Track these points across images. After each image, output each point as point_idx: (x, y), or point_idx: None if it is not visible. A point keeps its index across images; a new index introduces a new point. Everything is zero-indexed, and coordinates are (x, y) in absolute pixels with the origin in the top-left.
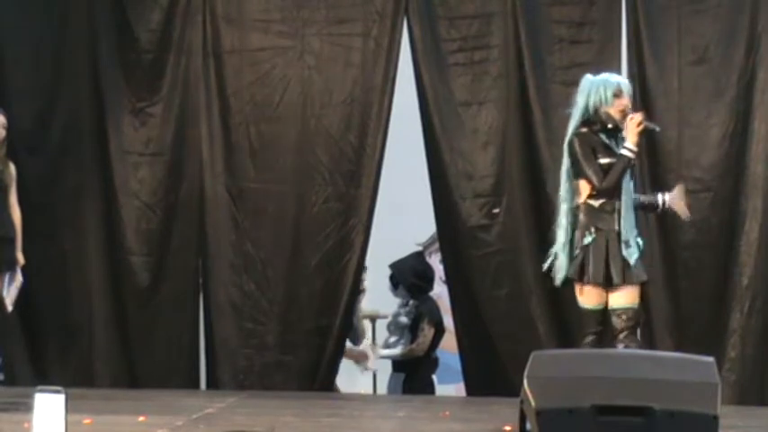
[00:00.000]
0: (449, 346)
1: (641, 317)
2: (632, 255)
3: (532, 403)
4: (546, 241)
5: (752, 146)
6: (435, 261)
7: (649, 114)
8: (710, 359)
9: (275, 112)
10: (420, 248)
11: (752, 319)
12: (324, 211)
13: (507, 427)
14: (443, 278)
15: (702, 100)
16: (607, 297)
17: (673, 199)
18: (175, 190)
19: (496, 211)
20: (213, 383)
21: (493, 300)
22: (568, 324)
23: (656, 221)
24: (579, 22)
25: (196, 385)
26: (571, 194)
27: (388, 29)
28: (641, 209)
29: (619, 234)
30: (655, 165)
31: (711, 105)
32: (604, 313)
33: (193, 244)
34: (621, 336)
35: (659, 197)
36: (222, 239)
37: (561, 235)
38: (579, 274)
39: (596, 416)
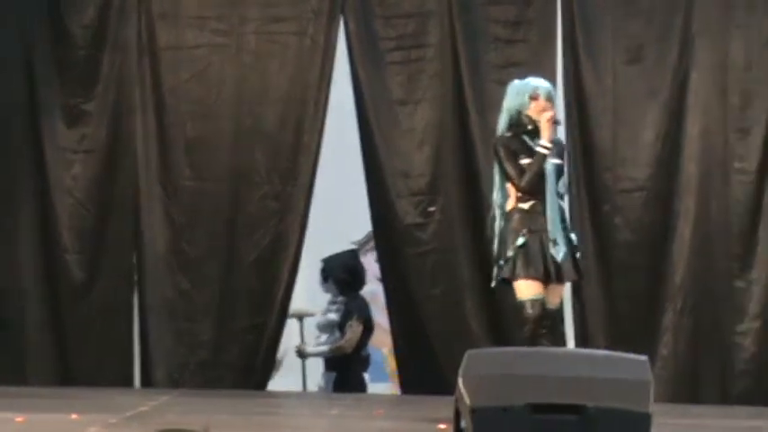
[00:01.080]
0: (382, 344)
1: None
2: (559, 252)
3: (467, 401)
4: (482, 240)
5: (685, 146)
6: (371, 259)
7: (584, 113)
8: (644, 357)
9: (211, 110)
10: (354, 247)
11: (684, 318)
12: (260, 209)
13: (442, 426)
14: (379, 277)
15: (637, 100)
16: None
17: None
18: (110, 187)
19: (432, 209)
20: (147, 381)
21: (428, 298)
22: (503, 323)
23: (590, 221)
24: (515, 21)
25: (130, 383)
26: (502, 199)
27: (325, 27)
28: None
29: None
30: (589, 164)
31: (645, 105)
32: (543, 307)
33: (128, 242)
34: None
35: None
36: (157, 237)
37: (494, 238)
38: (513, 272)
39: (531, 414)
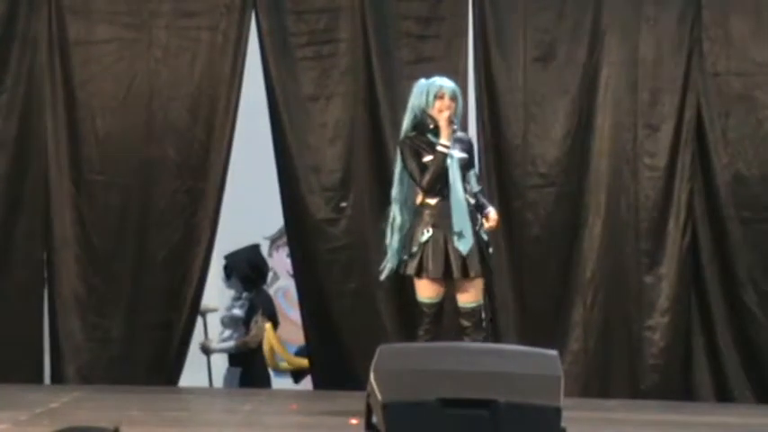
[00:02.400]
0: (295, 340)
1: (486, 312)
2: (465, 245)
3: (379, 396)
4: None
5: (595, 142)
6: (283, 255)
7: (495, 109)
8: (554, 352)
9: (122, 105)
10: (257, 243)
11: (594, 313)
12: (171, 205)
13: (354, 421)
14: (290, 272)
15: (547, 96)
16: (446, 292)
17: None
18: (20, 182)
19: (344, 205)
20: (58, 378)
21: (340, 294)
22: (414, 319)
23: (501, 217)
24: (426, 17)
25: (40, 379)
26: (404, 194)
27: (236, 22)
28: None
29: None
30: (500, 160)
31: (556, 101)
32: (440, 307)
33: (38, 236)
34: (467, 332)
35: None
36: (67, 232)
37: (389, 233)
38: (418, 270)
39: (442, 409)
